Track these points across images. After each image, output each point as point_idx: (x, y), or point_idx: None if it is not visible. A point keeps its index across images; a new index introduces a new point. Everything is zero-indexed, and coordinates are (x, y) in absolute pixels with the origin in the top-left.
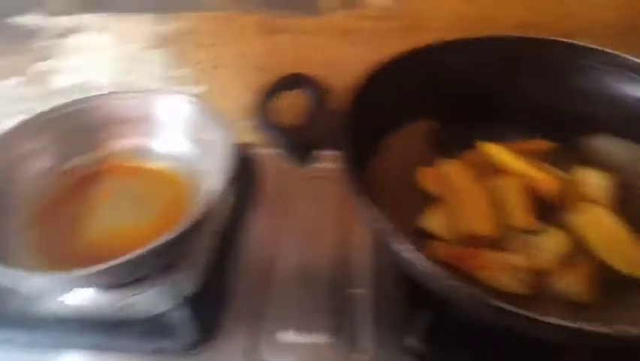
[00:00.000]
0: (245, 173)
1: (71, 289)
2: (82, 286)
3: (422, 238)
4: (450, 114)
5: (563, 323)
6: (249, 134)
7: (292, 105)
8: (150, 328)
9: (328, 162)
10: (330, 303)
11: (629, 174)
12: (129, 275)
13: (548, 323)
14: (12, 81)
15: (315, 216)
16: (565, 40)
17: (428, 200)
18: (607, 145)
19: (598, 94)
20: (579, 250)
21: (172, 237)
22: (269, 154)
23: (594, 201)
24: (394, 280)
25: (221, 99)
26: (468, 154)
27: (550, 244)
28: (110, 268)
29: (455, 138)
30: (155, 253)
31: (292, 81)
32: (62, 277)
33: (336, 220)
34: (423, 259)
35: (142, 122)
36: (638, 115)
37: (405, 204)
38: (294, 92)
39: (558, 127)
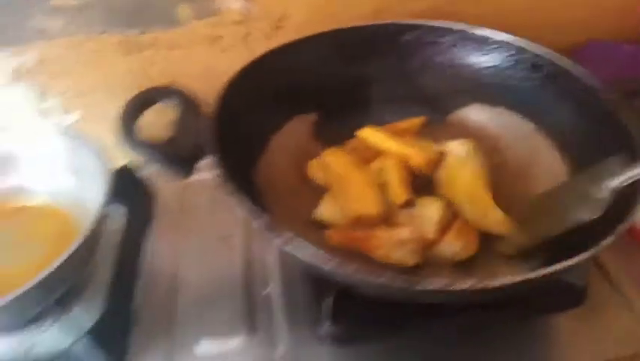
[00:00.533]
0: (138, 195)
1: None
2: None
3: (321, 229)
4: (327, 107)
5: (432, 287)
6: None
7: (160, 119)
8: None
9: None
10: (242, 306)
11: (495, 139)
12: (21, 314)
13: (424, 290)
14: None
15: (218, 224)
16: (412, 22)
17: (321, 192)
18: (477, 114)
19: (454, 67)
20: (454, 214)
21: (54, 268)
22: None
23: (459, 168)
24: (299, 275)
25: (95, 125)
26: (349, 142)
27: (429, 212)
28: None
29: (339, 128)
30: (41, 286)
31: (152, 96)
32: None
33: (241, 226)
34: (302, 246)
35: (11, 160)
36: (490, 81)
37: (300, 200)
38: (158, 106)
39: (431, 103)
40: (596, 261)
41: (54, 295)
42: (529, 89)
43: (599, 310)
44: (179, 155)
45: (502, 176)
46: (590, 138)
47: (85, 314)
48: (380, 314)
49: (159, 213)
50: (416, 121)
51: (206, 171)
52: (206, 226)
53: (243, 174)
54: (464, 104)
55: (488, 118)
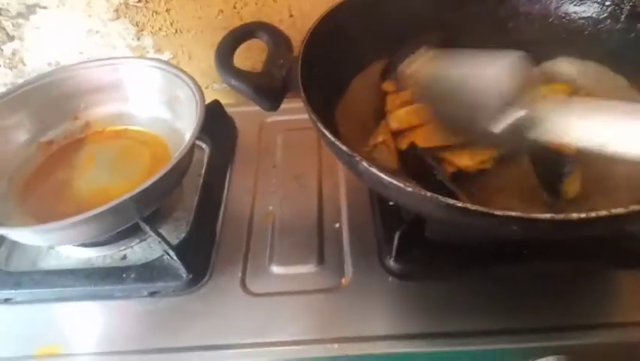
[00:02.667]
0: (224, 129)
1: (65, 243)
2: (73, 239)
3: None
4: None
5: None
6: (224, 95)
7: (254, 54)
8: (146, 273)
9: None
10: (313, 237)
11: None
12: (115, 225)
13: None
14: None
15: (292, 163)
16: None
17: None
18: (566, 67)
19: (546, 16)
20: None
21: (147, 185)
22: (249, 111)
23: None
24: (368, 211)
25: (188, 64)
26: None
27: None
28: (93, 217)
29: None
30: (134, 201)
31: (247, 31)
32: (46, 227)
33: (314, 166)
34: (371, 167)
35: (115, 88)
36: (583, 33)
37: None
38: (254, 42)
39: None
40: None
41: (145, 211)
42: (624, 42)
43: None
44: (269, 87)
45: None
46: None
47: (171, 233)
48: (444, 255)
49: (240, 149)
50: None
51: (283, 113)
52: (281, 164)
53: (325, 110)
54: (552, 56)
55: (578, 72)
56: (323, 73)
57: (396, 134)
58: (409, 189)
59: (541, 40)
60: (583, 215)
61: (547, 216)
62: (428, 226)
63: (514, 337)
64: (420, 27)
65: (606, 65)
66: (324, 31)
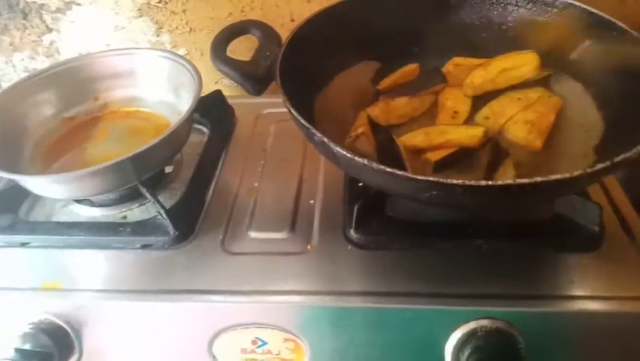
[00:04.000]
0: (223, 115)
1: (74, 195)
2: (81, 192)
3: None
4: (390, 56)
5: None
6: (230, 90)
7: (246, 47)
8: (140, 229)
9: None
10: (289, 211)
11: None
12: (116, 182)
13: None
14: (21, 55)
15: (281, 149)
16: None
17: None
18: None
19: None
20: None
21: (143, 149)
22: (249, 103)
23: None
24: (342, 192)
25: (200, 60)
26: None
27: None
28: (96, 171)
29: None
30: (133, 160)
31: (242, 27)
32: (57, 177)
33: (300, 152)
34: (324, 138)
35: (130, 75)
36: None
37: (345, 127)
38: (247, 37)
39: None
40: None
41: (143, 173)
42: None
43: (613, 256)
44: (253, 74)
45: None
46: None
47: (168, 200)
48: (398, 229)
49: (236, 134)
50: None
51: (279, 106)
52: (272, 149)
53: (304, 98)
54: None
55: None
56: (305, 65)
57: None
58: (350, 155)
59: (513, 49)
60: (490, 182)
61: (459, 181)
62: (389, 203)
63: (447, 300)
64: (399, 34)
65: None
66: (311, 29)
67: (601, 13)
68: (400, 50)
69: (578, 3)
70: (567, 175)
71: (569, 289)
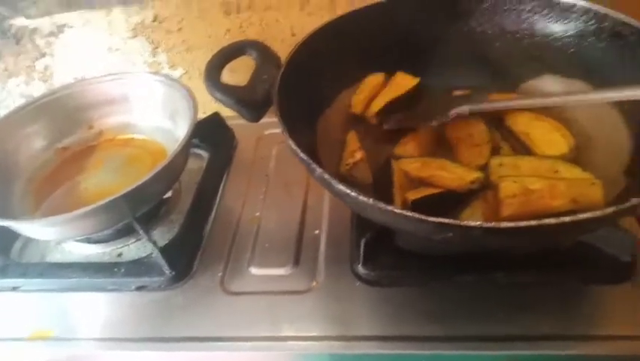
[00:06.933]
0: (222, 139)
1: (67, 237)
2: (74, 233)
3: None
4: (396, 69)
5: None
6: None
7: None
8: (134, 269)
9: None
10: (293, 242)
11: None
12: (109, 221)
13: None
14: (17, 81)
15: (284, 173)
16: None
17: None
18: (550, 85)
19: (531, 36)
20: None
21: (136, 185)
22: (248, 125)
23: None
24: (348, 221)
25: (199, 79)
26: None
27: None
28: (88, 212)
29: None
30: (127, 198)
31: (237, 48)
32: (46, 221)
33: (304, 177)
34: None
35: (122, 101)
36: (566, 52)
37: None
38: (244, 58)
39: (503, 72)
40: None
41: (137, 210)
42: (608, 61)
43: None
44: (252, 100)
45: None
46: None
47: (165, 234)
48: (410, 263)
49: (237, 158)
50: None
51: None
52: (273, 174)
53: (305, 123)
54: (537, 74)
55: (561, 90)
56: (306, 87)
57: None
58: (354, 194)
59: (527, 58)
60: (511, 224)
61: (477, 223)
62: (399, 235)
63: (467, 343)
64: (406, 45)
65: (590, 83)
66: (311, 47)
67: (621, 16)
68: (408, 63)
69: (596, 7)
70: (598, 214)
71: (602, 328)
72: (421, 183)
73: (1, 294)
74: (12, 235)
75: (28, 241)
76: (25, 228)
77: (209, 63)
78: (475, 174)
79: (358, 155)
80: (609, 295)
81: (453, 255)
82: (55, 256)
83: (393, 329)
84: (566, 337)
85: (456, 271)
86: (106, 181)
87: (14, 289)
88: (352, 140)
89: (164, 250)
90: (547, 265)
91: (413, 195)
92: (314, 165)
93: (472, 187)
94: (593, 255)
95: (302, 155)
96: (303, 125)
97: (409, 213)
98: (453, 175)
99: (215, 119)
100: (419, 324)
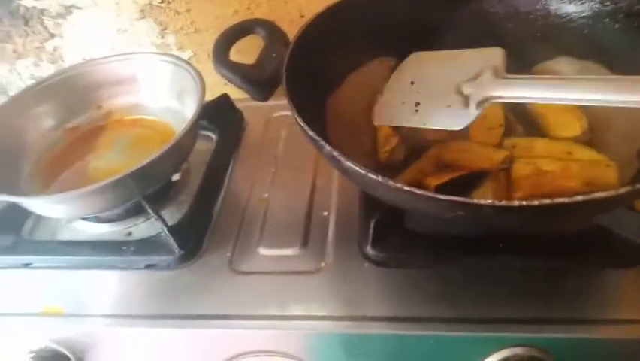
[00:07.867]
0: (231, 120)
1: (76, 214)
2: (82, 211)
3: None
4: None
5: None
6: (241, 91)
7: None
8: (143, 248)
9: None
10: (301, 224)
11: None
12: (118, 199)
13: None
14: (26, 62)
15: (293, 155)
16: None
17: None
18: (564, 67)
19: (545, 16)
20: None
21: (143, 164)
22: (258, 106)
23: None
24: (357, 203)
25: (207, 61)
26: None
27: None
28: (96, 189)
29: None
30: (134, 177)
31: (246, 27)
32: (55, 197)
33: (313, 158)
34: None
35: (131, 81)
36: (581, 33)
37: (359, 132)
38: (252, 39)
39: (517, 53)
40: None
41: (146, 188)
42: (623, 42)
43: None
44: (258, 78)
45: None
46: None
47: (175, 214)
48: (419, 245)
49: (245, 140)
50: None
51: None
52: (282, 156)
53: (314, 102)
54: (551, 56)
55: (575, 71)
56: (315, 66)
57: None
58: (362, 171)
59: (541, 39)
60: (524, 202)
61: (489, 202)
62: (408, 216)
63: (476, 325)
64: (416, 27)
65: (604, 65)
66: (320, 26)
67: None
68: (418, 45)
69: None
70: (612, 193)
71: (614, 311)
72: (445, 166)
73: (13, 271)
74: (23, 214)
75: (39, 219)
76: (35, 204)
77: (217, 41)
78: (504, 153)
79: (394, 140)
80: (622, 279)
81: (463, 237)
82: (66, 235)
83: (401, 310)
84: (577, 320)
85: (465, 253)
86: (115, 161)
87: (26, 266)
88: (382, 126)
89: (173, 229)
90: (558, 248)
91: (435, 181)
92: (322, 142)
93: (503, 166)
94: (605, 238)
95: (310, 132)
96: (312, 104)
97: (419, 192)
98: (481, 156)
99: (224, 100)
100: (427, 305)
